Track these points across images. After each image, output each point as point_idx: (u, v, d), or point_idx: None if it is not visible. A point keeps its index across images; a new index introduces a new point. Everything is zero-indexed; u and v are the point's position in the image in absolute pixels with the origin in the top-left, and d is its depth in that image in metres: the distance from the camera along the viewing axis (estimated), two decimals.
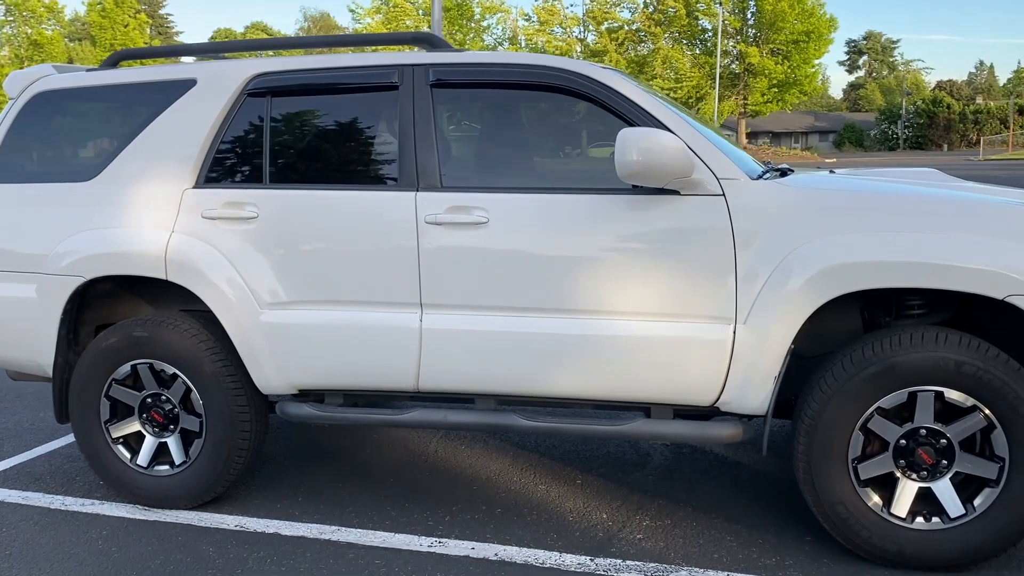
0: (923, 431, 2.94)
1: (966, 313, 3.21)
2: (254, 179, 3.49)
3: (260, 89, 3.52)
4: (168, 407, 3.63)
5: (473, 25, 55.61)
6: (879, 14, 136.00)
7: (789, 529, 3.31)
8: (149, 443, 3.67)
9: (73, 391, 3.67)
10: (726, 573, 3.00)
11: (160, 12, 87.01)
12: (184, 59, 4.36)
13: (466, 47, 43.35)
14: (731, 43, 50.33)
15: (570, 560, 3.13)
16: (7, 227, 3.75)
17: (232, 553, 3.25)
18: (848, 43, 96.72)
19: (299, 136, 3.55)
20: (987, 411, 2.85)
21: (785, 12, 45.60)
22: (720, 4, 42.43)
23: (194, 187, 3.52)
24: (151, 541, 3.37)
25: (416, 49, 3.60)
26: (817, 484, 3.01)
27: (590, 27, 54.42)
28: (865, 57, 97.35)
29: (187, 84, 3.62)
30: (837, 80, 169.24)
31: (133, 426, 3.69)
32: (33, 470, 4.17)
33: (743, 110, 51.63)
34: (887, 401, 2.92)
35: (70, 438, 4.47)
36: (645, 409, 3.27)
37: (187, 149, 3.54)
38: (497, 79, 3.35)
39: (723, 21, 48.15)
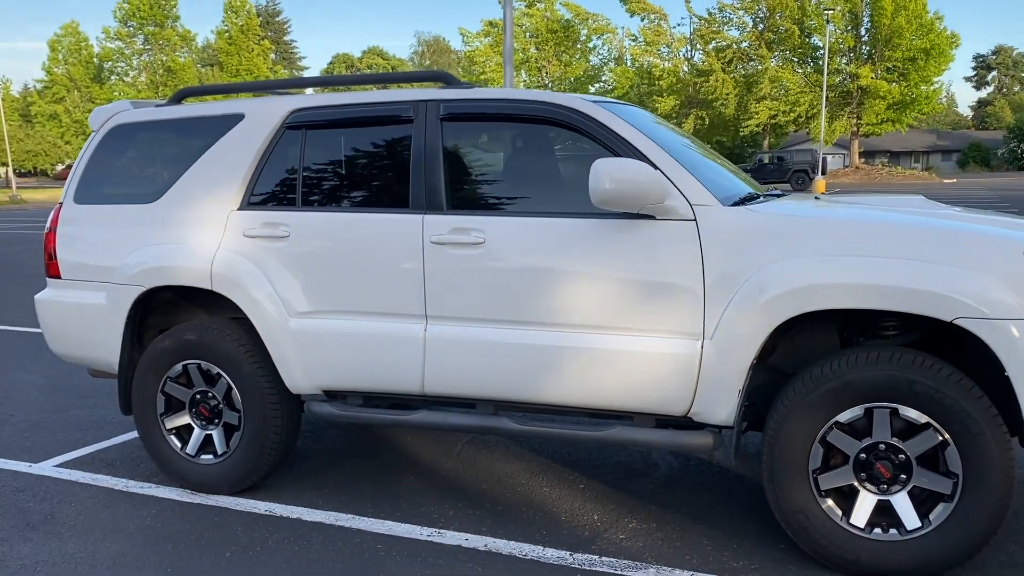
0: (882, 446, 3.09)
1: (948, 337, 3.31)
2: (289, 202, 3.93)
3: (297, 123, 3.97)
4: (213, 403, 4.10)
5: (579, 46, 56.11)
6: (1010, 27, 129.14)
7: (767, 538, 3.48)
8: (197, 434, 4.15)
9: (135, 387, 4.19)
10: (691, 572, 3.21)
11: (285, 39, 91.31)
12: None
13: (571, 67, 43.50)
14: (844, 61, 49.04)
15: (551, 554, 3.40)
16: (86, 243, 4.31)
17: (256, 533, 3.67)
18: (976, 58, 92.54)
19: (328, 164, 3.97)
20: (940, 428, 2.98)
21: (902, 28, 44.15)
22: (829, 21, 41.36)
23: (238, 209, 3.99)
24: (191, 520, 3.83)
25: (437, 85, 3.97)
26: (779, 493, 3.19)
27: (697, 46, 54.07)
28: (994, 73, 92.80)
29: (236, 118, 4.10)
30: (963, 97, 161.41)
31: (184, 419, 4.18)
32: (107, 457, 4.73)
33: (856, 130, 50.13)
34: (844, 416, 3.09)
35: None
36: (630, 417, 3.51)
37: (234, 175, 4.01)
38: (498, 112, 3.69)
39: (836, 39, 46.99)
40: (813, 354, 3.45)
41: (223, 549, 3.52)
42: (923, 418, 3.00)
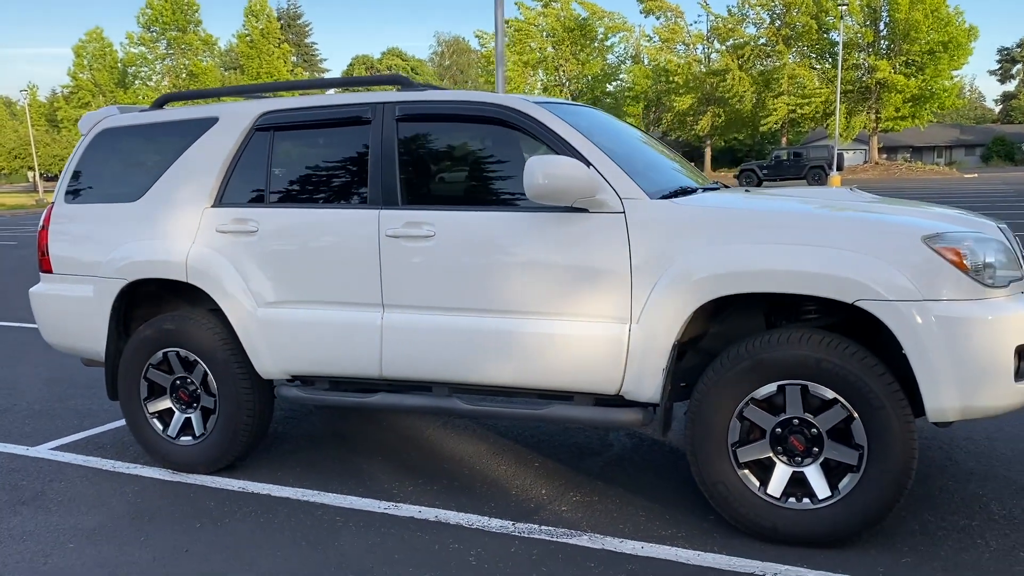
0: (795, 421, 3.31)
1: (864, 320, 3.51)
2: (258, 199, 4.21)
3: (266, 125, 4.25)
4: (192, 388, 4.39)
5: (596, 45, 56.22)
6: None
7: (698, 510, 3.70)
8: (177, 418, 4.44)
9: (121, 373, 4.49)
10: (620, 539, 3.45)
11: (306, 41, 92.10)
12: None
13: (587, 66, 43.65)
14: (862, 56, 48.81)
15: (495, 523, 3.65)
16: (75, 240, 4.63)
17: (228, 507, 3.95)
18: (1000, 51, 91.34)
19: (294, 163, 4.25)
20: (847, 403, 3.20)
21: (919, 21, 43.89)
22: (845, 16, 41.19)
23: (212, 206, 4.27)
24: (169, 496, 4.12)
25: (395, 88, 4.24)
26: (701, 465, 3.43)
27: (715, 44, 54.04)
28: (1020, 66, 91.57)
29: (211, 121, 4.39)
30: (989, 90, 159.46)
31: (165, 403, 4.47)
32: (99, 441, 5.04)
33: (875, 125, 49.87)
34: (760, 393, 3.32)
35: None
36: (571, 397, 3.76)
37: (208, 174, 4.30)
38: (447, 112, 3.95)
39: (853, 34, 46.78)
40: (741, 337, 3.66)
41: (195, 520, 3.81)
42: (831, 394, 3.21)
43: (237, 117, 4.32)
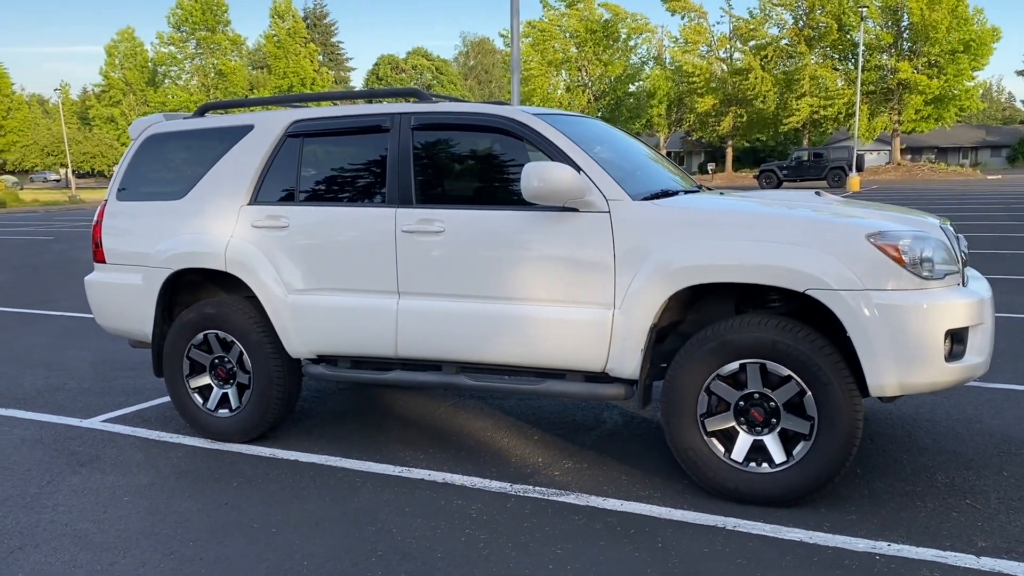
0: (756, 395, 3.79)
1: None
2: (288, 198, 4.74)
3: (296, 132, 4.78)
4: (229, 366, 4.93)
5: (619, 45, 56.55)
6: None
7: (675, 476, 4.18)
8: (215, 393, 4.98)
9: (166, 353, 5.04)
10: (603, 498, 3.95)
11: (332, 41, 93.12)
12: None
13: (610, 67, 43.87)
14: (884, 57, 48.83)
15: (495, 485, 4.16)
16: (126, 233, 5.19)
17: (260, 469, 4.49)
18: None
19: (321, 166, 4.77)
20: (799, 379, 3.67)
21: (938, 23, 43.86)
22: (864, 17, 41.26)
23: (248, 204, 4.81)
24: (208, 460, 4.67)
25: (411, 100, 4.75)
26: (673, 433, 3.91)
27: (737, 44, 54.19)
28: None
29: (247, 129, 4.93)
30: (1019, 91, 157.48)
31: (205, 379, 5.02)
32: (145, 415, 5.60)
33: (896, 126, 49.85)
34: (724, 370, 3.79)
35: None
36: (563, 374, 4.25)
37: (245, 175, 4.84)
38: (457, 123, 4.46)
39: (874, 35, 46.81)
40: (714, 321, 4.14)
41: (232, 480, 4.35)
42: (786, 371, 3.69)
43: (270, 125, 4.86)
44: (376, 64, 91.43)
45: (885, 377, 3.56)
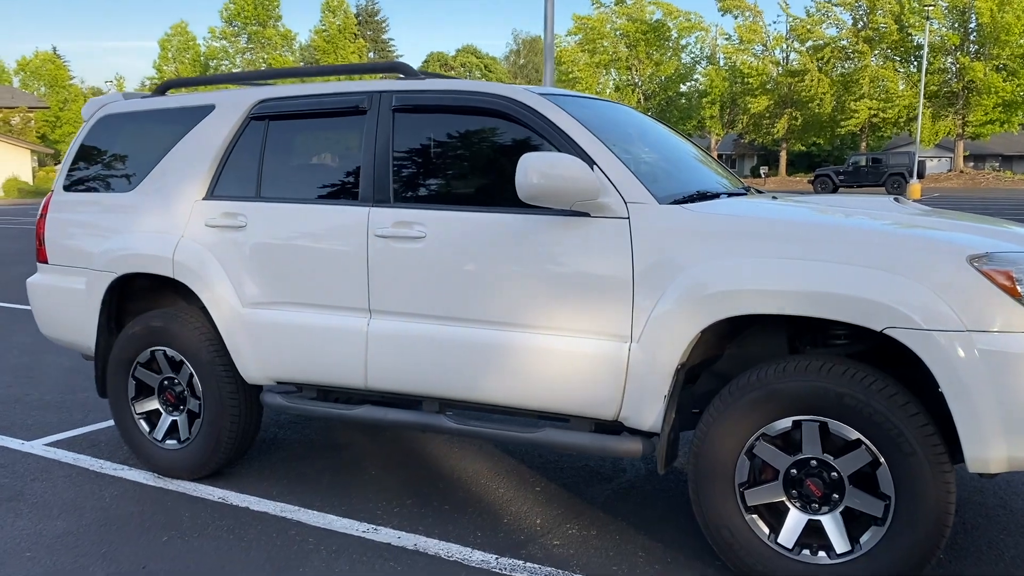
0: (813, 462, 2.89)
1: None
2: (249, 192, 3.95)
3: (261, 113, 3.99)
4: (178, 389, 4.16)
5: (670, 44, 55.30)
6: None
7: (705, 554, 3.30)
8: (163, 419, 4.22)
9: (109, 370, 4.29)
10: None
11: (383, 38, 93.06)
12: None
13: (662, 66, 42.95)
14: (949, 60, 46.87)
15: (476, 556, 3.32)
16: (70, 229, 4.45)
17: (201, 519, 3.71)
18: None
19: (287, 154, 3.97)
20: (871, 445, 2.77)
21: (1010, 25, 41.88)
22: (928, 17, 39.48)
23: (203, 199, 4.03)
24: (145, 503, 3.90)
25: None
26: (703, 505, 3.03)
27: (794, 44, 52.61)
28: None
29: (208, 109, 4.16)
30: None
31: (153, 404, 4.26)
32: (96, 438, 4.87)
33: (960, 131, 47.82)
34: (772, 428, 2.91)
35: None
36: (566, 419, 3.40)
37: (201, 165, 4.06)
38: (446, 104, 3.61)
39: (940, 37, 44.96)
40: (760, 361, 3.25)
41: (163, 533, 3.57)
42: (854, 434, 2.79)
43: (233, 105, 4.08)
44: (425, 61, 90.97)
45: (990, 449, 2.64)
